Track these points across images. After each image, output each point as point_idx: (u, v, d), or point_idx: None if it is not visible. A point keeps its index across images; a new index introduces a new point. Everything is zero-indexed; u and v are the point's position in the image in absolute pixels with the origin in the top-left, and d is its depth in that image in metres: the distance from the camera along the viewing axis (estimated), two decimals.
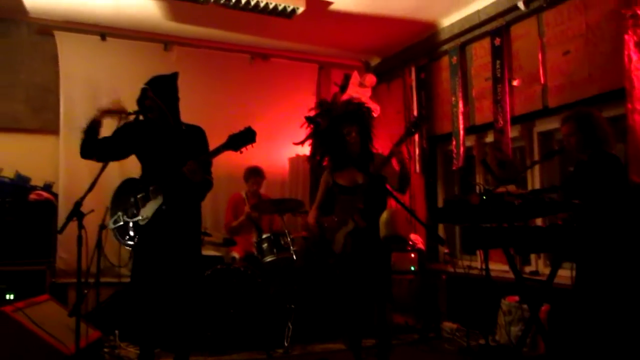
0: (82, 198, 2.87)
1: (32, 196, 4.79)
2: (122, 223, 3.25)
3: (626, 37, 3.70)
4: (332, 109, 3.70)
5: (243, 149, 3.11)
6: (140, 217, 3.21)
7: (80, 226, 2.83)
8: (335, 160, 3.59)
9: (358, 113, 3.62)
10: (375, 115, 4.70)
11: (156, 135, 3.28)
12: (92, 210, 3.09)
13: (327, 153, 3.62)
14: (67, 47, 5.41)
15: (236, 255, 4.97)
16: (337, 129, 3.53)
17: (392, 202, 3.40)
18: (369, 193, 3.36)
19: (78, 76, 5.42)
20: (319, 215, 3.62)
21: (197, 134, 3.38)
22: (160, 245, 3.22)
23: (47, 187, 5.03)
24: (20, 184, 4.89)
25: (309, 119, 3.26)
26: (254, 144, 3.12)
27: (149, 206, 3.21)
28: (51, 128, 5.35)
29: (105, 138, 3.30)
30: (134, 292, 3.29)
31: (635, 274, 2.92)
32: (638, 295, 2.91)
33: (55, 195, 5.05)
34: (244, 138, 3.10)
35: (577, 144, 3.19)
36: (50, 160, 5.29)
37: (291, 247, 4.52)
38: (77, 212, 2.83)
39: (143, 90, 3.22)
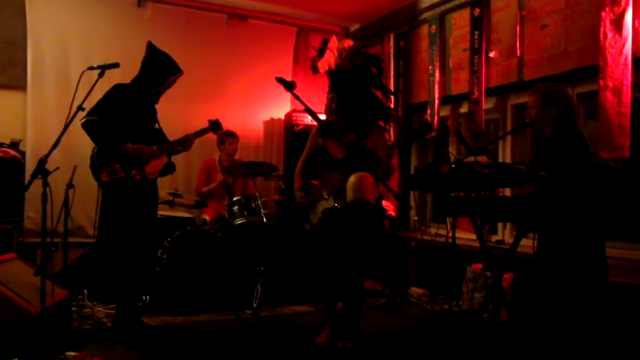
0: (47, 155, 2.81)
1: None
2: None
3: (603, 14, 3.71)
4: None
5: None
6: (148, 172, 3.55)
7: (45, 184, 2.77)
8: (326, 128, 3.44)
9: (342, 82, 3.59)
10: None
11: (143, 99, 3.59)
12: (58, 168, 3.02)
13: (343, 112, 3.49)
14: None
15: (207, 217, 4.96)
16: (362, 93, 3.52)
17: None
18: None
19: (47, 30, 5.22)
20: (304, 178, 3.57)
21: None
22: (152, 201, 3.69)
23: (14, 145, 4.90)
24: None
25: (280, 81, 3.17)
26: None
27: (155, 163, 3.57)
28: (18, 84, 5.17)
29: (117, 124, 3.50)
30: (117, 247, 3.52)
31: (593, 247, 3.01)
32: (594, 267, 3.01)
33: (23, 154, 4.93)
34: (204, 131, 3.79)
35: (538, 116, 3.20)
36: (17, 117, 5.14)
37: (262, 210, 4.52)
38: (41, 170, 2.77)
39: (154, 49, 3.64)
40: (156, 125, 3.78)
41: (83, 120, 3.36)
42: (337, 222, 3.37)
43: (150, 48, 3.64)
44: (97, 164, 3.43)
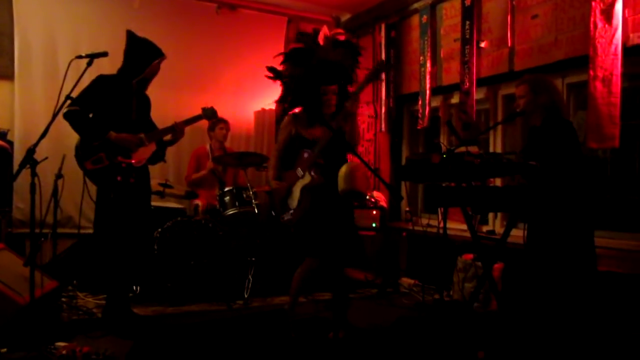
0: (35, 145, 2.79)
1: None
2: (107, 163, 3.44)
3: (593, 3, 3.72)
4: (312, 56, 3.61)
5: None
6: (134, 160, 3.52)
7: (34, 174, 2.75)
8: (307, 116, 3.47)
9: (339, 74, 3.56)
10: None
11: (128, 88, 3.57)
12: (46, 158, 2.99)
13: (299, 106, 3.53)
14: None
15: (199, 203, 4.92)
16: (315, 86, 3.41)
17: (353, 157, 3.39)
18: (330, 148, 3.32)
19: (34, 19, 5.14)
20: (279, 170, 3.55)
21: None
22: (143, 190, 3.67)
23: (2, 135, 4.84)
24: None
25: (271, 70, 3.17)
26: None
27: (141, 151, 3.53)
28: (6, 73, 5.10)
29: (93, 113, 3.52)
30: (111, 237, 3.50)
31: (582, 236, 3.04)
32: (583, 256, 3.03)
33: (11, 143, 4.88)
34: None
35: (528, 104, 3.23)
36: (4, 107, 5.08)
37: (253, 201, 4.50)
38: (30, 160, 2.74)
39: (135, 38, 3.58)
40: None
41: (64, 111, 3.33)
42: (322, 197, 3.33)
43: (130, 36, 3.60)
44: (81, 153, 3.43)
